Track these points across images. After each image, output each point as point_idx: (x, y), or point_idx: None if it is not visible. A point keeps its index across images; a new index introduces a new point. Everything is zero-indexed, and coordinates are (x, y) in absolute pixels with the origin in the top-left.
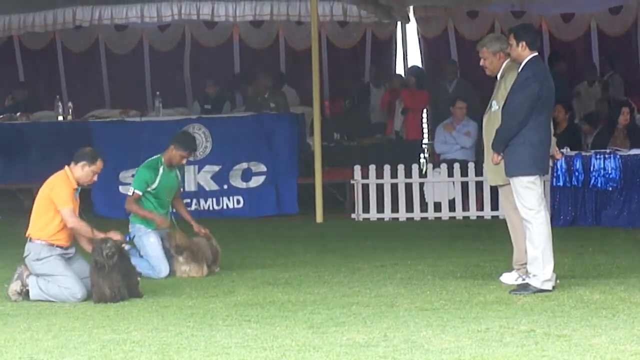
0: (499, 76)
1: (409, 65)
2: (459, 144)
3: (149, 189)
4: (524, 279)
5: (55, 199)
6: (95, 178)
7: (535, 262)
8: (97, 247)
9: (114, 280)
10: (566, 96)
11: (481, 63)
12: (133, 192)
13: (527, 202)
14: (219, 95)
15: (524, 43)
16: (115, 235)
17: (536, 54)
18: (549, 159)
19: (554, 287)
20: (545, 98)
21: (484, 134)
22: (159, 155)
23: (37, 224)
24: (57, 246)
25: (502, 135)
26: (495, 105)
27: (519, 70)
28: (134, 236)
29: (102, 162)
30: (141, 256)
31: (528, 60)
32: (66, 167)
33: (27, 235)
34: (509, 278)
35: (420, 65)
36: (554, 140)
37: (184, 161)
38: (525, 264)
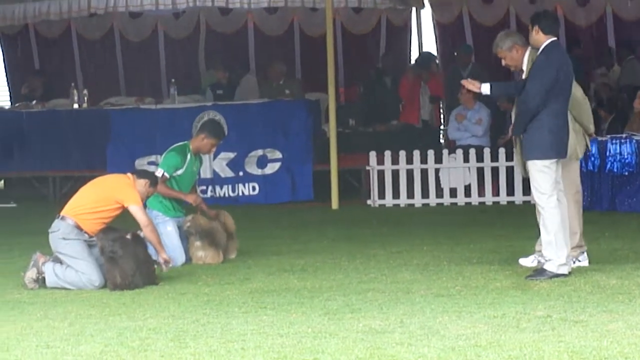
0: (525, 66)
1: (423, 51)
2: (471, 132)
3: (175, 174)
4: (540, 261)
5: (124, 196)
6: (145, 200)
7: (549, 247)
8: (101, 239)
9: (126, 268)
10: (583, 81)
11: (503, 64)
12: (162, 174)
13: (541, 187)
14: (229, 81)
15: (537, 27)
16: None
17: (554, 39)
18: (567, 143)
19: (570, 272)
20: (562, 83)
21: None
22: (186, 142)
23: (80, 206)
24: (86, 232)
25: (519, 120)
26: None
27: (537, 54)
28: None
29: (156, 189)
30: None
31: (545, 46)
32: (129, 174)
33: (59, 213)
34: (527, 261)
35: (432, 51)
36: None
37: (214, 149)
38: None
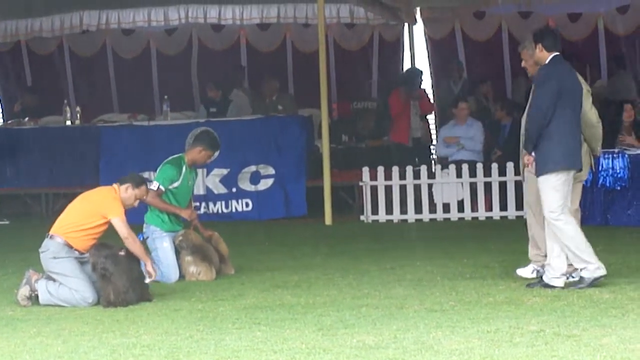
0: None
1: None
2: (467, 149)
3: (171, 187)
4: (539, 272)
5: (107, 209)
6: (137, 204)
7: (577, 259)
8: (94, 255)
9: (119, 285)
10: None
11: (522, 64)
12: (158, 187)
13: (551, 204)
14: (222, 98)
15: (540, 45)
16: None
17: (556, 54)
18: (580, 154)
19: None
20: (566, 94)
21: (522, 134)
22: (181, 155)
23: (68, 224)
24: (76, 250)
25: (529, 136)
26: None
27: (537, 71)
28: (147, 237)
29: (147, 190)
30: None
31: (549, 61)
32: (114, 185)
33: (48, 232)
34: (525, 272)
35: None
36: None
37: (209, 161)
38: (544, 255)
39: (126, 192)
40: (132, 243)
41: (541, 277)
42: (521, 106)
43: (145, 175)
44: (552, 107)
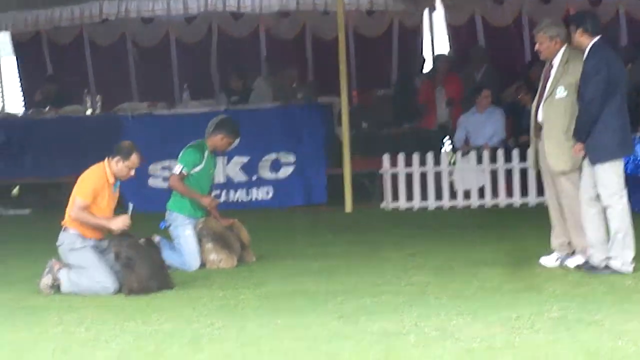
0: (558, 61)
1: (436, 54)
2: (490, 134)
3: (193, 171)
4: (562, 260)
5: (77, 188)
6: (132, 173)
7: (616, 245)
8: (116, 244)
9: (142, 274)
10: None
11: (536, 47)
12: (180, 171)
13: (611, 187)
14: (244, 88)
15: (581, 30)
16: (121, 223)
17: (598, 38)
18: (631, 138)
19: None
20: (616, 81)
21: (543, 119)
22: (202, 140)
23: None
24: (90, 237)
25: (582, 127)
26: (563, 92)
27: (585, 58)
28: (169, 225)
29: (138, 156)
30: (173, 245)
31: (592, 47)
32: (106, 159)
33: (62, 224)
34: (549, 260)
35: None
36: None
37: (230, 148)
38: (567, 244)
39: (117, 165)
40: (83, 220)
41: (607, 263)
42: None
43: (166, 163)
44: (603, 98)
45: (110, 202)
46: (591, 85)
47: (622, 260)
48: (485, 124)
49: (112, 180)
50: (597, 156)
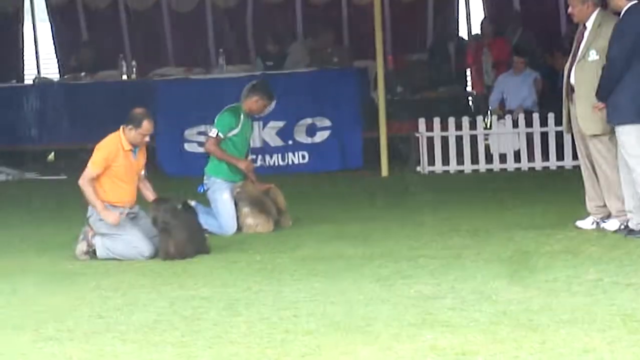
0: (590, 25)
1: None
2: (527, 95)
3: (230, 135)
4: (599, 223)
5: (91, 158)
6: (147, 139)
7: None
8: (153, 209)
9: (179, 238)
10: None
11: (569, 11)
12: (216, 134)
13: (631, 150)
14: (280, 52)
15: None
16: (110, 218)
17: (635, 2)
18: None
19: None
20: None
21: (575, 82)
22: (238, 104)
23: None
24: (117, 204)
25: (605, 85)
26: (595, 55)
27: (619, 20)
28: (207, 189)
29: (150, 123)
30: (209, 210)
31: (626, 10)
32: (121, 127)
33: None
34: (585, 224)
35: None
36: None
37: (266, 111)
38: (602, 206)
39: (130, 133)
40: (84, 194)
41: (627, 225)
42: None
43: (202, 128)
44: (628, 59)
45: (129, 169)
46: (617, 45)
47: None
48: (521, 86)
49: (127, 147)
50: (615, 117)
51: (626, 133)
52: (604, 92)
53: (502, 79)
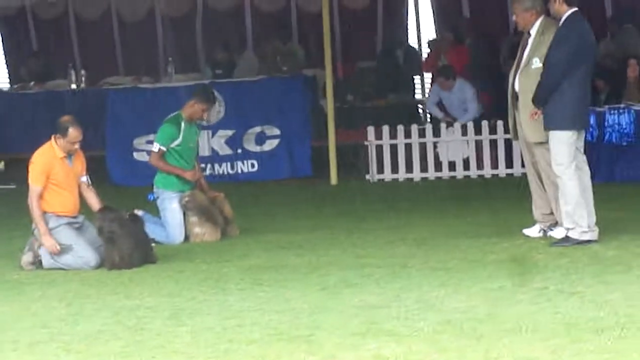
0: (534, 32)
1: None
2: (465, 111)
3: (173, 145)
4: (545, 231)
5: (29, 174)
6: (77, 146)
7: (568, 217)
8: (99, 219)
9: (125, 248)
10: None
11: (513, 18)
12: (158, 148)
13: (559, 158)
14: (229, 61)
15: None
16: (48, 243)
17: (575, 9)
18: (588, 113)
19: (591, 240)
20: (583, 54)
21: (519, 89)
22: (178, 112)
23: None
24: (63, 216)
25: (542, 91)
26: (538, 62)
27: (559, 26)
28: (157, 197)
29: (77, 130)
30: (157, 219)
31: (567, 16)
32: (52, 136)
33: None
34: (532, 232)
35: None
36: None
37: (205, 115)
38: (549, 214)
39: (59, 141)
40: (32, 208)
41: (567, 235)
42: None
43: (151, 137)
44: (567, 66)
45: (67, 176)
46: (557, 52)
47: (580, 229)
48: (454, 100)
49: (60, 154)
50: (550, 123)
51: (557, 138)
52: (541, 98)
53: (437, 87)
